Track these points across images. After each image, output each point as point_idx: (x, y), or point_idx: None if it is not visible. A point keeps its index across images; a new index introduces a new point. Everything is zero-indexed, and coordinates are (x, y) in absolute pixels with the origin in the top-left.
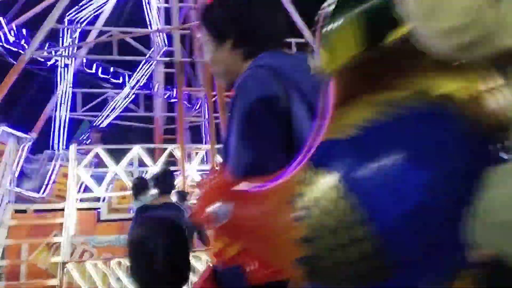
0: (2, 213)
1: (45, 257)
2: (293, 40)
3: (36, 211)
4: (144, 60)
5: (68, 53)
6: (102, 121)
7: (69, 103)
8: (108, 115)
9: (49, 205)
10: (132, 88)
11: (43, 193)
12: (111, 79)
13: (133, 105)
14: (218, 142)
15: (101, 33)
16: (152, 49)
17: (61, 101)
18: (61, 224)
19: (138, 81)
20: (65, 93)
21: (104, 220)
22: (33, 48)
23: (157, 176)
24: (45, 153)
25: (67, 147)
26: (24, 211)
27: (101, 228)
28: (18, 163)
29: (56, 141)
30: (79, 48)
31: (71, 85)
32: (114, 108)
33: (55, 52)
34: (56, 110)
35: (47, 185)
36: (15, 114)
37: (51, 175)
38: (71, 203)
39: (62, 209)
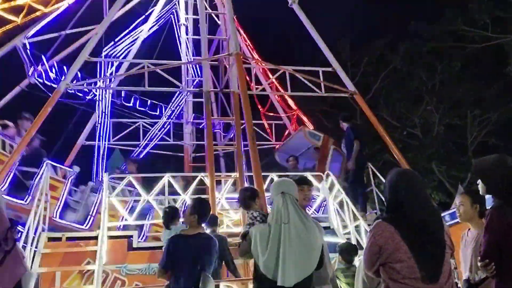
0: (36, 241)
1: (77, 285)
2: (320, 69)
3: (69, 238)
4: (178, 92)
5: (103, 85)
6: (140, 153)
7: (106, 134)
8: (145, 145)
9: (81, 233)
10: (168, 118)
11: (88, 225)
12: (148, 111)
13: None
14: (247, 170)
15: (132, 65)
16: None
17: (99, 133)
18: (94, 252)
19: (173, 111)
20: (103, 124)
21: (136, 248)
22: (67, 81)
23: (193, 205)
24: (89, 184)
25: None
26: (57, 239)
27: (133, 256)
28: (62, 196)
29: (98, 171)
30: (111, 80)
31: (110, 116)
32: (151, 139)
33: (89, 84)
34: (96, 141)
35: (92, 216)
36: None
37: (95, 206)
38: (104, 231)
39: (95, 237)
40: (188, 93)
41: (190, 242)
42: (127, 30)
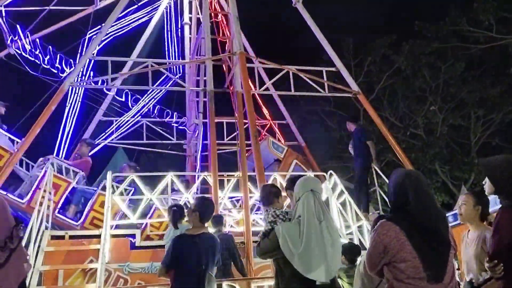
0: (39, 239)
1: (80, 283)
2: (323, 69)
3: (72, 237)
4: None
5: (106, 83)
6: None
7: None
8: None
9: (84, 232)
10: (137, 113)
11: (26, 200)
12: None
13: (166, 133)
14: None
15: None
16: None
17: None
18: (97, 250)
19: (143, 106)
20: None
21: (138, 247)
22: (71, 79)
23: (196, 203)
24: (39, 160)
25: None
26: (60, 237)
27: (135, 254)
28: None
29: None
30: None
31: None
32: (117, 128)
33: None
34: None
35: (33, 191)
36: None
37: (37, 181)
38: (107, 230)
39: (98, 236)
40: (191, 92)
41: (194, 241)
42: (115, 17)
